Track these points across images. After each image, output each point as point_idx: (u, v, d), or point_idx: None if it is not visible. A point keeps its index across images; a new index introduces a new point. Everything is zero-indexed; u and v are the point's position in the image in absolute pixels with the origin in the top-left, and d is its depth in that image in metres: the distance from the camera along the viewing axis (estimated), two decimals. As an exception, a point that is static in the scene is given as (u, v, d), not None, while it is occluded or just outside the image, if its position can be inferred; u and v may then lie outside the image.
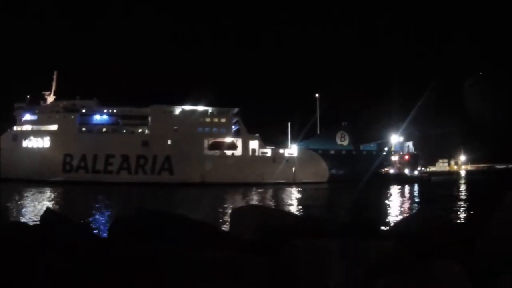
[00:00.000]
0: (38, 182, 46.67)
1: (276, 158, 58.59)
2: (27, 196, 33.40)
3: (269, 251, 3.82)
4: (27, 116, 53.05)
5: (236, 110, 59.51)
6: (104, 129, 54.47)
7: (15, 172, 49.93)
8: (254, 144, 58.35)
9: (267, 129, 65.54)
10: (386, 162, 65.04)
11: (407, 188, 46.77)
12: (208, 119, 57.17)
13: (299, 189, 46.98)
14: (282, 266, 3.56)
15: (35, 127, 52.75)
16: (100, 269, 3.42)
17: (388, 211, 26.21)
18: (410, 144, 74.61)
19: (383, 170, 58.31)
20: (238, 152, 57.42)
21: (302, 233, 4.13)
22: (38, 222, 5.71)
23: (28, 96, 54.83)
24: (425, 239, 4.40)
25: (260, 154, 58.42)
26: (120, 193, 39.85)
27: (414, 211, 24.52)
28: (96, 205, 28.99)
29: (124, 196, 37.88)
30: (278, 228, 4.48)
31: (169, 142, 54.79)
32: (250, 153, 57.81)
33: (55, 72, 56.57)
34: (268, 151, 58.94)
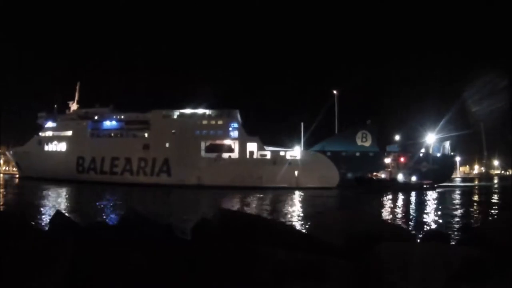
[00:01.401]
0: (57, 181, 53.12)
1: (277, 160, 55.80)
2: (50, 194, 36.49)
3: (352, 255, 3.86)
4: (49, 124, 60.00)
5: (235, 111, 58.37)
6: (111, 134, 58.61)
7: (40, 171, 57.25)
8: (252, 146, 56.51)
9: (279, 130, 63.13)
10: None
11: (384, 199, 35.39)
12: (205, 122, 57.20)
13: (295, 195, 41.70)
14: (367, 270, 3.58)
15: (56, 133, 59.38)
16: (186, 269, 3.46)
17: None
18: (447, 144, 64.69)
19: (370, 174, 48.80)
20: (236, 154, 56.33)
21: (386, 238, 4.14)
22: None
23: (55, 106, 62.00)
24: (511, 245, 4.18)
25: (258, 156, 56.39)
26: (133, 194, 40.41)
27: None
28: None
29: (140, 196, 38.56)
30: (363, 232, 4.49)
31: (167, 145, 56.40)
32: (247, 156, 56.22)
33: (78, 83, 62.82)
34: (268, 154, 56.53)
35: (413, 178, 48.81)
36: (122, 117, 59.26)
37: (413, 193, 41.45)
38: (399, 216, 24.23)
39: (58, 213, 5.26)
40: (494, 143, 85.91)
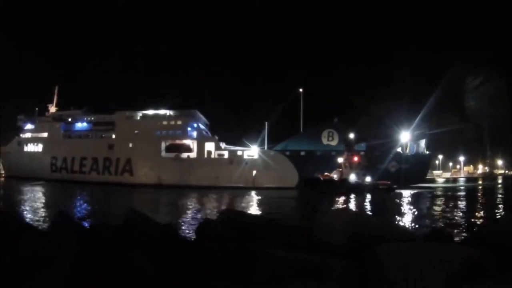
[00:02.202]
0: (33, 179, 57.12)
1: (234, 160, 55.70)
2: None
3: (353, 255, 3.91)
4: (28, 126, 64.23)
5: (194, 111, 58.89)
6: (81, 135, 61.61)
7: (20, 171, 61.69)
8: (210, 146, 56.83)
9: (243, 130, 62.81)
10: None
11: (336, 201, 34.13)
12: (165, 122, 58.29)
13: (247, 195, 40.59)
14: (367, 270, 3.62)
15: (33, 135, 63.51)
16: (187, 269, 3.53)
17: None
18: (422, 143, 60.67)
19: (320, 174, 45.81)
20: (194, 154, 56.96)
21: (386, 238, 4.19)
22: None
23: (36, 109, 66.23)
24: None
25: (216, 156, 56.59)
26: (104, 193, 41.27)
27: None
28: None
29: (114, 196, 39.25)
30: (363, 232, 4.51)
31: (130, 145, 58.25)
32: (205, 155, 56.63)
33: (56, 87, 66.56)
34: (225, 153, 56.55)
35: (367, 179, 45.46)
36: (92, 118, 62.00)
37: (363, 195, 38.47)
38: (396, 216, 23.47)
39: (60, 213, 5.23)
40: (496, 142, 79.20)
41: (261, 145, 58.74)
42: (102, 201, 34.80)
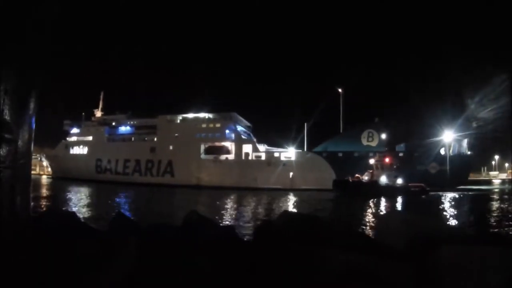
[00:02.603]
0: (80, 180, 60.49)
1: (271, 162, 57.23)
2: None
3: (413, 258, 3.87)
4: (74, 130, 68.09)
5: (232, 114, 61.08)
6: (125, 138, 64.82)
7: (67, 172, 65.27)
8: (247, 148, 58.67)
9: (283, 131, 64.21)
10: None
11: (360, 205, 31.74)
12: (204, 125, 60.68)
13: (285, 196, 40.93)
14: (427, 272, 3.59)
15: (79, 138, 67.22)
16: (247, 271, 3.53)
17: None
18: (464, 142, 59.76)
19: (350, 177, 44.92)
20: (232, 156, 58.91)
21: (446, 240, 4.14)
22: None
23: (83, 113, 70.25)
24: None
25: (254, 158, 58.33)
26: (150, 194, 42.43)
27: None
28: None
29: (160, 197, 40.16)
30: (423, 235, 4.45)
31: (171, 147, 60.88)
32: (243, 157, 58.46)
33: (102, 92, 70.53)
34: (263, 155, 58.23)
35: (399, 181, 44.40)
36: (135, 122, 65.23)
37: (394, 199, 37.51)
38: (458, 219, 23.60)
39: (119, 214, 5.38)
40: None
41: (301, 146, 60.17)
42: (149, 201, 36.06)
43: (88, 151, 65.74)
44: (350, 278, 3.38)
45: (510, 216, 25.22)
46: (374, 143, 58.29)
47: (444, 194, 43.91)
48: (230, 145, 59.15)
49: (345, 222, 20.79)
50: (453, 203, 36.08)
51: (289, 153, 57.58)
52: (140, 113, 67.05)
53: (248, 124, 66.06)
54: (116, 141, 64.90)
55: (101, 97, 70.57)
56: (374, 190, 41.18)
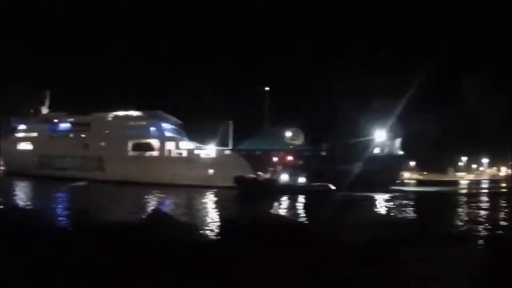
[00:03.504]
0: (27, 175, 64.23)
1: (192, 159, 58.28)
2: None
3: (376, 259, 3.86)
4: (22, 126, 71.61)
5: (158, 112, 62.13)
6: (64, 135, 67.62)
7: (15, 167, 69.22)
8: (170, 145, 59.84)
9: (213, 130, 64.79)
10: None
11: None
12: (132, 123, 62.23)
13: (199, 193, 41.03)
14: (391, 275, 3.57)
15: (26, 135, 70.70)
16: (206, 269, 3.60)
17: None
18: (397, 142, 58.09)
19: (248, 175, 45.34)
20: (156, 153, 60.35)
21: (411, 242, 4.14)
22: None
23: (31, 110, 73.44)
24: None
25: (176, 155, 59.49)
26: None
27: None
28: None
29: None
30: (387, 235, 4.42)
31: (102, 144, 63.06)
32: (166, 154, 59.74)
33: (48, 91, 73.27)
34: (184, 152, 59.23)
35: (300, 180, 44.43)
36: (73, 120, 67.73)
37: (294, 197, 36.80)
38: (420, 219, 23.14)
39: (81, 211, 6.18)
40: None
41: (225, 144, 60.64)
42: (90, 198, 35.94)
43: (33, 147, 69.14)
44: (309, 279, 3.27)
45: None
46: (298, 142, 57.97)
47: (357, 195, 39.77)
48: (154, 142, 60.50)
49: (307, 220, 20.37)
50: (349, 204, 31.68)
51: (209, 150, 58.23)
52: (83, 110, 69.33)
53: (179, 121, 66.91)
54: (57, 138, 67.76)
55: (47, 94, 73.30)
56: (271, 188, 41.43)
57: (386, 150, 56.25)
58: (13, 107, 73.03)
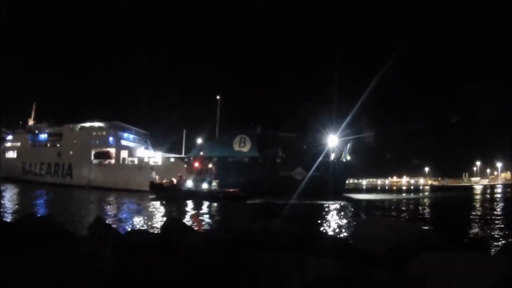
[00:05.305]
0: (12, 180, 73.73)
1: (142, 166, 64.92)
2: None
3: (394, 264, 3.84)
4: (9, 137, 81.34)
5: (116, 123, 69.37)
6: (42, 144, 76.50)
7: (4, 173, 79.02)
8: (124, 154, 66.86)
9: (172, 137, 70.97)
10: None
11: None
12: (94, 133, 69.88)
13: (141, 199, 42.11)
14: (409, 280, 3.55)
15: (12, 144, 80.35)
16: (220, 275, 3.56)
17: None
18: (348, 147, 59.61)
19: (156, 181, 48.19)
20: (113, 161, 67.54)
21: (427, 247, 4.12)
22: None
23: (20, 122, 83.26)
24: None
25: (129, 162, 66.35)
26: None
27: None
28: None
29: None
30: (404, 240, 4.42)
31: (71, 152, 71.17)
32: (121, 162, 66.76)
33: (34, 103, 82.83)
34: (136, 160, 65.97)
35: (204, 186, 44.81)
36: (50, 130, 76.49)
37: (197, 202, 36.95)
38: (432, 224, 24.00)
39: (97, 219, 5.68)
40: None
41: (179, 151, 66.62)
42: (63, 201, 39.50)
43: (17, 156, 78.63)
44: (324, 285, 3.32)
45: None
46: (245, 149, 61.64)
47: (276, 202, 36.65)
48: (112, 151, 67.71)
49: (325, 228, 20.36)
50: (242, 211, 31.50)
51: (157, 158, 64.58)
52: (62, 121, 77.96)
53: (143, 132, 73.88)
54: (36, 147, 76.78)
55: (34, 107, 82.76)
56: (173, 193, 42.75)
57: (336, 156, 57.61)
58: (2, 119, 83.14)
